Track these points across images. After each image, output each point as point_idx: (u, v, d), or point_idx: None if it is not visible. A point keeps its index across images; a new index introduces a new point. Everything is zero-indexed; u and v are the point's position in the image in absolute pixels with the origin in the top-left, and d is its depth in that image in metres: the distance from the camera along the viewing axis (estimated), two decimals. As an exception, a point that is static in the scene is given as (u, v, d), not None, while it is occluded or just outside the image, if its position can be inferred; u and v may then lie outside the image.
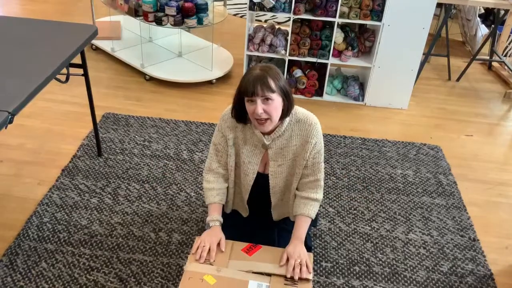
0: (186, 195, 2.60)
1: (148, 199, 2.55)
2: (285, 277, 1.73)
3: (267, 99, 1.70)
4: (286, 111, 1.80)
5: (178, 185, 2.67)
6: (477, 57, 4.12)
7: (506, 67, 4.22)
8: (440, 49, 4.56)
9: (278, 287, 1.69)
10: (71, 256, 2.18)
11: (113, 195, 2.55)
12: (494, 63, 4.35)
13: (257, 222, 2.12)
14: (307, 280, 1.72)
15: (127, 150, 2.91)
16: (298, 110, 1.86)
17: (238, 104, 1.80)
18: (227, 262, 1.77)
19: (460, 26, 4.96)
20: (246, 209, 2.10)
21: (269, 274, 1.74)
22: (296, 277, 1.70)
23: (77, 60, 2.45)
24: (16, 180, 2.62)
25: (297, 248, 1.77)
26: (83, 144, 2.94)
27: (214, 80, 3.76)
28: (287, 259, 1.74)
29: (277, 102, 1.73)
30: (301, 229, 1.86)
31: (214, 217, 1.89)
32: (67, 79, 2.30)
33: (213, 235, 1.82)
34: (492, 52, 4.28)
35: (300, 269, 1.71)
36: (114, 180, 2.66)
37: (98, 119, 3.17)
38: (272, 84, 1.70)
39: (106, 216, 2.42)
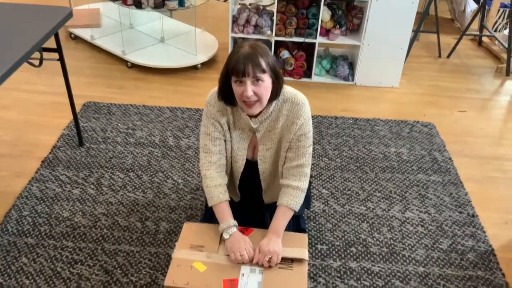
0: (173, 182, 2.48)
1: (134, 188, 2.44)
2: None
3: (258, 80, 1.58)
4: (276, 93, 1.67)
5: (165, 172, 2.55)
6: (467, 32, 4.04)
7: (496, 42, 4.15)
8: (428, 26, 4.47)
9: (272, 271, 1.59)
10: (53, 249, 2.06)
11: (96, 185, 2.43)
12: (484, 39, 4.28)
13: (248, 206, 2.01)
14: (302, 262, 1.63)
15: (110, 139, 2.79)
16: (286, 89, 1.74)
17: (225, 84, 1.67)
18: (217, 248, 1.67)
19: (449, 3, 4.87)
20: (238, 194, 2.00)
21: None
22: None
23: (53, 45, 2.32)
24: (-7, 174, 2.49)
25: (270, 243, 1.63)
26: (63, 134, 2.80)
27: (199, 65, 3.63)
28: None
29: (267, 83, 1.61)
30: (277, 221, 1.71)
31: (231, 223, 1.69)
32: (40, 63, 2.17)
33: (241, 240, 1.65)
34: (481, 27, 4.20)
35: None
36: (97, 170, 2.54)
37: (78, 108, 3.03)
38: (263, 63, 1.57)
39: (89, 207, 2.30)
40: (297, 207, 1.73)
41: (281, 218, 1.71)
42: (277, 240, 1.66)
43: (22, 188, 2.40)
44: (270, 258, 1.60)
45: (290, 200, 1.72)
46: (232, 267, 1.60)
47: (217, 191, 1.73)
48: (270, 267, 1.60)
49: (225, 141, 1.79)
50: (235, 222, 1.71)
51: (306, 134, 1.73)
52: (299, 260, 1.63)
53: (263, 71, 1.58)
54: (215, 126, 1.75)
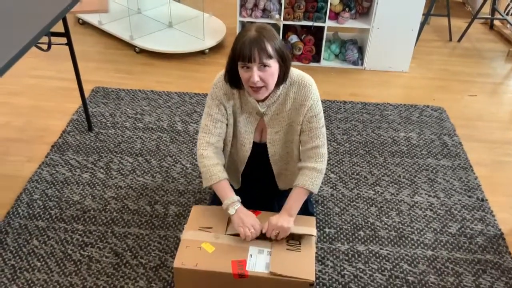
0: (181, 166, 2.49)
1: (143, 172, 2.45)
2: (287, 241, 1.64)
3: (264, 65, 1.57)
4: (283, 77, 1.66)
5: (173, 157, 2.56)
6: (478, 16, 3.97)
7: (508, 25, 4.07)
8: (439, 10, 4.40)
9: (280, 252, 1.60)
10: (64, 232, 2.09)
11: (106, 170, 2.45)
12: (496, 22, 4.20)
13: (255, 193, 2.01)
14: (310, 244, 1.63)
15: (119, 124, 2.80)
16: (293, 72, 1.72)
17: (232, 68, 1.66)
18: (225, 229, 1.68)
19: (460, -14, 4.78)
20: (239, 181, 1.99)
21: (270, 239, 1.65)
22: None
23: (61, 29, 2.32)
24: (4, 159, 2.51)
25: (280, 219, 1.63)
26: (72, 119, 2.82)
27: (207, 50, 3.62)
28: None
29: (274, 68, 1.59)
30: (291, 201, 1.70)
31: (235, 198, 1.68)
32: (49, 47, 2.17)
33: (248, 215, 1.66)
34: (493, 10, 4.13)
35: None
36: (106, 154, 2.55)
37: (87, 93, 3.05)
38: (270, 48, 1.56)
39: (99, 190, 2.32)
40: (313, 187, 1.71)
41: (295, 198, 1.70)
42: (287, 217, 1.65)
43: (32, 172, 2.42)
44: (278, 232, 1.61)
45: (305, 180, 1.71)
46: (240, 248, 1.61)
47: (216, 170, 1.71)
48: (277, 240, 1.62)
49: (227, 125, 1.78)
50: (239, 198, 1.70)
51: (317, 115, 1.72)
52: (307, 243, 1.64)
53: (270, 57, 1.56)
54: (219, 108, 1.74)
